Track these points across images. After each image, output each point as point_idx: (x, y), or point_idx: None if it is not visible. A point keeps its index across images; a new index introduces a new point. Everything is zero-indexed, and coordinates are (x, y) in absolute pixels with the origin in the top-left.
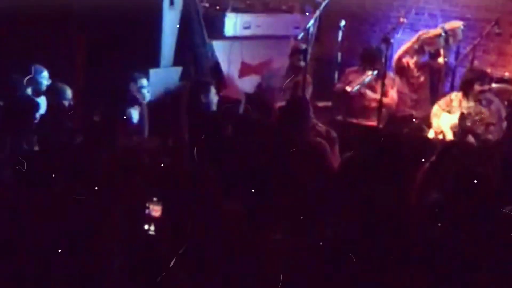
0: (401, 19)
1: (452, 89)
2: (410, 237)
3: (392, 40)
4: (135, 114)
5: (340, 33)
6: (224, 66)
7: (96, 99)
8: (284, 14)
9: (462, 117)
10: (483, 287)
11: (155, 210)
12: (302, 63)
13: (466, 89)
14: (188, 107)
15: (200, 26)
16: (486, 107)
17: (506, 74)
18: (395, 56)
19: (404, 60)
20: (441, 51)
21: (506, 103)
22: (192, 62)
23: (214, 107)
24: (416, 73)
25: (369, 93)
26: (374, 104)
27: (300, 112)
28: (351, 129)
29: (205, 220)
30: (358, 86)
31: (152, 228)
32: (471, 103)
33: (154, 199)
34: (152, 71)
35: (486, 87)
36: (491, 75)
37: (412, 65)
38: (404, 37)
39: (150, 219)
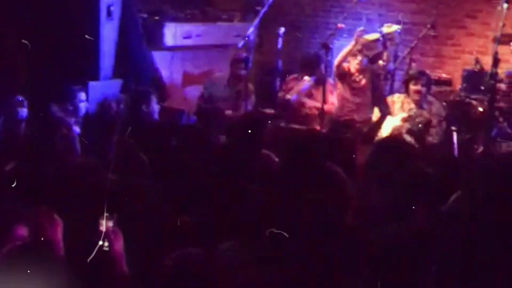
0: (339, 25)
1: (391, 91)
2: (352, 241)
3: (331, 46)
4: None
5: (280, 41)
6: (166, 76)
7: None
8: (224, 23)
9: (404, 119)
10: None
11: (107, 226)
12: (243, 72)
13: (407, 91)
14: (129, 117)
15: (139, 37)
16: (427, 109)
17: (444, 75)
18: (335, 62)
19: (345, 65)
20: (383, 54)
21: (444, 103)
22: (132, 74)
23: (156, 117)
24: (357, 77)
25: (308, 101)
26: (314, 111)
27: (254, 128)
28: (294, 135)
29: (156, 233)
30: (296, 94)
31: (106, 244)
32: (412, 105)
33: (106, 214)
34: (91, 84)
35: (424, 88)
36: (429, 76)
37: (352, 69)
38: (344, 43)
39: (103, 235)
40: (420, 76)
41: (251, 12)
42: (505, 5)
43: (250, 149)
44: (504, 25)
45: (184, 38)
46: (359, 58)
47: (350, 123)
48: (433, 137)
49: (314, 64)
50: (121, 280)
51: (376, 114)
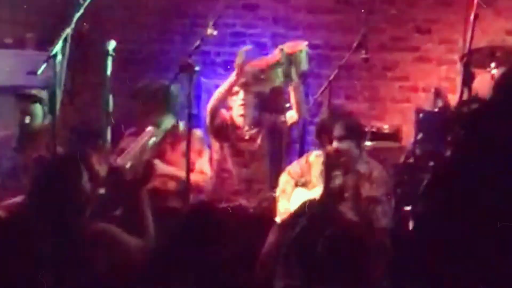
0: (210, 31)
1: (302, 151)
2: None
3: (196, 68)
4: None
5: (109, 66)
6: None
7: None
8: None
9: (330, 192)
10: None
11: None
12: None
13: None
14: None
15: None
16: (365, 174)
17: (386, 126)
18: (208, 107)
19: (224, 112)
20: (291, 88)
21: (390, 169)
22: None
23: None
24: (245, 133)
25: (159, 164)
26: (171, 185)
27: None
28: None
29: None
30: (133, 156)
31: None
32: (337, 172)
33: None
34: None
35: (350, 144)
36: (360, 126)
37: (237, 120)
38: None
39: None
40: (342, 125)
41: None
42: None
43: None
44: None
45: None
46: (247, 99)
47: (236, 211)
48: (378, 220)
49: (164, 103)
50: None
51: (281, 184)
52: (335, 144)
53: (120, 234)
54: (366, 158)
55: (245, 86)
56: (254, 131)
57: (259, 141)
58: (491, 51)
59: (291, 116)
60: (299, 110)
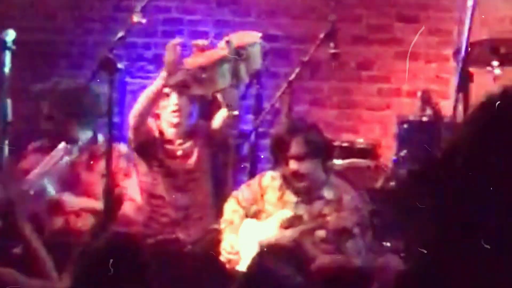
0: (135, 18)
1: (253, 171)
2: None
3: (120, 66)
4: None
5: (8, 62)
6: None
7: None
8: None
9: (289, 225)
10: None
11: None
12: None
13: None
14: None
15: None
16: (333, 201)
17: (360, 140)
18: (131, 117)
19: (151, 123)
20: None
21: (365, 193)
22: None
23: None
24: (177, 147)
25: (68, 198)
26: (86, 221)
27: None
28: None
29: None
30: (37, 184)
31: None
32: (301, 197)
33: None
34: None
35: (311, 165)
36: (329, 143)
37: (168, 132)
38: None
39: None
40: (301, 140)
41: None
42: None
43: None
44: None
45: None
46: (181, 104)
47: (170, 248)
48: (349, 258)
49: (79, 109)
50: None
51: (226, 214)
52: (292, 164)
53: (18, 278)
54: (335, 181)
55: (179, 88)
56: (188, 144)
57: (194, 157)
58: (493, 46)
59: (221, 115)
60: (228, 106)
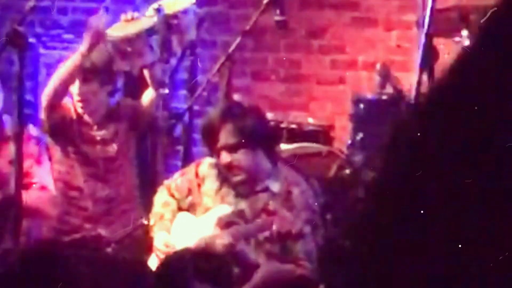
0: None
1: (188, 157)
2: None
3: (31, 40)
4: None
5: None
6: None
7: None
8: None
9: (227, 223)
10: None
11: None
12: None
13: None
14: None
15: None
16: (279, 195)
17: (311, 120)
18: (44, 93)
19: (65, 103)
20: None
21: (316, 184)
22: None
23: None
24: (96, 132)
25: None
26: None
27: None
28: None
29: None
30: None
31: None
32: (240, 191)
33: None
34: None
35: (247, 156)
36: (270, 128)
37: (85, 116)
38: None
39: None
40: (231, 128)
41: None
42: None
43: None
44: None
45: None
46: (87, 93)
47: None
48: (298, 262)
49: None
50: None
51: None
52: (224, 156)
53: None
54: (282, 171)
55: (84, 74)
56: (109, 128)
57: (117, 142)
58: (462, 13)
59: (149, 94)
60: (157, 84)
